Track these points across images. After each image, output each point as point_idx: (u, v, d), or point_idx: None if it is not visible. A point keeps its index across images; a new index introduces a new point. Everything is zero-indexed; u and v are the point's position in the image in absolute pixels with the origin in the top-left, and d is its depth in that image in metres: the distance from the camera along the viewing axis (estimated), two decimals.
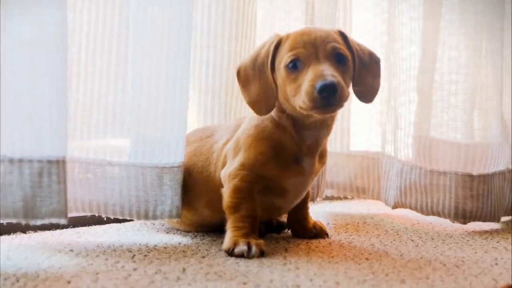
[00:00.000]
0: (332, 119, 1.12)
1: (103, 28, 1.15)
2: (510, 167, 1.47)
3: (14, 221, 0.98)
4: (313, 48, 1.03)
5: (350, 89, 1.09)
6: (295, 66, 1.04)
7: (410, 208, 1.44)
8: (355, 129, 1.65)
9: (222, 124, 1.28)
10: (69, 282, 0.86)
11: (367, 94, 1.12)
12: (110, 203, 1.13)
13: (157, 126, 1.14)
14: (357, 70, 1.09)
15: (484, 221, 1.39)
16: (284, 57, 1.05)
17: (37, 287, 0.84)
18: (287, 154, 1.10)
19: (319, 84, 0.98)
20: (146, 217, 1.14)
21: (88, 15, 1.14)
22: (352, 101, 1.62)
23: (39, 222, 0.98)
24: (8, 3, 0.95)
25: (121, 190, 1.13)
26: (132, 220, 1.30)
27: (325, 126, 1.11)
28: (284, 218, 1.29)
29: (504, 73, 1.50)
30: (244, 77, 1.10)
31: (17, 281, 0.86)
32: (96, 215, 1.15)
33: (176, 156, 1.15)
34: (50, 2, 0.98)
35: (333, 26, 1.43)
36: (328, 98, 0.98)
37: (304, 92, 1.00)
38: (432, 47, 1.45)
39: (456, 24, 1.44)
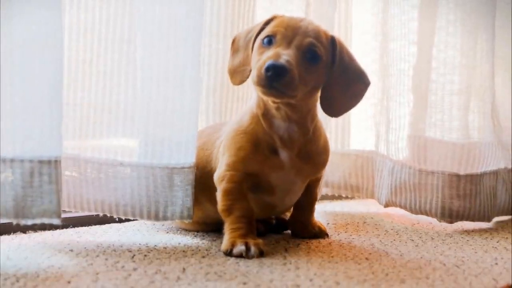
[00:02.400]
0: (300, 116, 1.09)
1: (114, 27, 1.15)
2: (509, 167, 1.48)
3: (5, 220, 0.98)
4: (292, 34, 1.04)
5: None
6: (269, 42, 1.05)
7: (400, 207, 1.45)
8: (352, 128, 1.64)
9: (229, 121, 1.28)
10: (69, 282, 0.86)
11: (335, 107, 1.12)
12: (121, 203, 1.13)
13: (167, 126, 1.13)
14: (334, 79, 1.08)
15: (472, 220, 1.39)
16: (264, 31, 1.07)
17: (37, 287, 0.84)
18: (263, 145, 1.10)
19: (268, 62, 0.99)
20: (156, 218, 1.14)
21: (99, 14, 1.14)
22: None
23: (29, 222, 0.98)
24: (4, 2, 0.95)
25: (132, 191, 1.13)
26: (134, 220, 1.30)
27: (293, 120, 1.09)
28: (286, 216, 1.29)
29: (498, 72, 1.51)
30: (236, 46, 1.14)
31: (17, 281, 0.86)
32: (108, 215, 1.15)
33: (187, 156, 1.14)
34: (43, 2, 0.97)
35: (331, 26, 1.43)
36: (272, 79, 0.99)
37: (257, 67, 1.02)
38: (427, 47, 1.45)
39: (451, 24, 1.44)
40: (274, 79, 0.99)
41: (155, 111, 1.13)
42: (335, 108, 1.12)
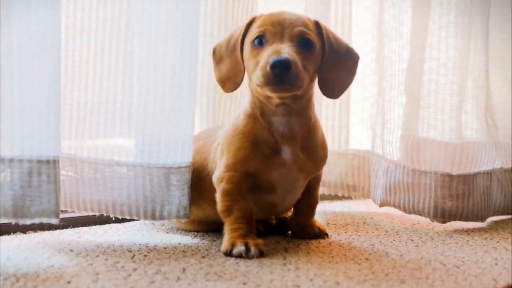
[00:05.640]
0: (302, 106, 1.10)
1: (111, 27, 1.16)
2: (505, 167, 1.47)
3: (5, 220, 0.98)
4: (280, 28, 1.05)
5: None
6: (260, 43, 1.06)
7: (395, 206, 1.45)
8: (350, 128, 1.64)
9: (225, 124, 1.28)
10: (69, 282, 0.86)
11: (333, 88, 1.13)
12: (118, 203, 1.14)
13: (163, 126, 1.14)
14: (327, 61, 1.10)
15: (465, 220, 1.39)
16: (251, 33, 1.07)
17: (37, 287, 0.84)
18: (263, 145, 1.10)
19: (272, 59, 0.99)
20: (153, 217, 1.14)
21: (96, 14, 1.14)
22: (351, 100, 1.64)
23: (28, 222, 0.98)
24: (3, 2, 0.95)
25: (128, 190, 1.14)
26: (133, 220, 1.30)
27: (294, 113, 1.10)
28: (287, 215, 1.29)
29: (495, 71, 1.51)
30: (218, 55, 1.14)
31: (17, 281, 0.86)
32: (105, 214, 1.16)
33: (183, 156, 1.14)
34: (42, 1, 0.97)
35: (327, 25, 1.44)
36: (280, 75, 0.99)
37: (259, 67, 1.02)
38: (420, 47, 1.45)
39: (444, 24, 1.44)
40: (282, 74, 0.99)
41: (151, 111, 1.13)
42: (334, 89, 1.13)
